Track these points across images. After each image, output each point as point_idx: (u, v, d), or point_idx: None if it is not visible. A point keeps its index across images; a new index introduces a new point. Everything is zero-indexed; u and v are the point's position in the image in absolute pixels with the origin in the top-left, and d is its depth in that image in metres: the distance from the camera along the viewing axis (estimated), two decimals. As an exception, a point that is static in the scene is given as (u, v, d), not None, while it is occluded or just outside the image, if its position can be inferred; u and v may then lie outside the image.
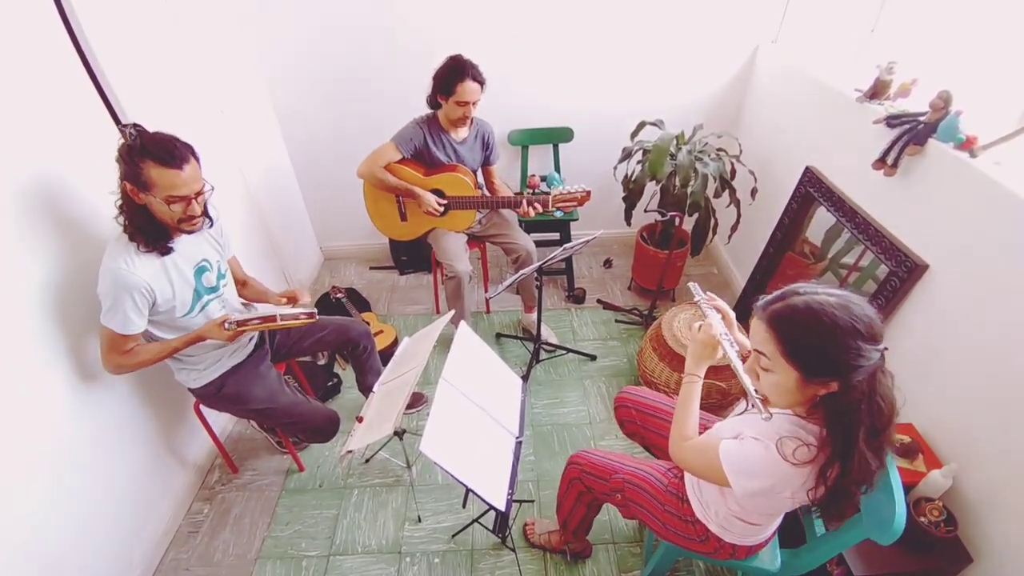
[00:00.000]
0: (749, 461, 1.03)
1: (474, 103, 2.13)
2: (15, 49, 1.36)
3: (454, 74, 2.06)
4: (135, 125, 1.34)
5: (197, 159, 1.39)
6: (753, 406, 1.00)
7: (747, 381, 1.02)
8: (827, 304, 0.90)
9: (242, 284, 1.84)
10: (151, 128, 1.37)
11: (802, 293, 0.94)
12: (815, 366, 0.92)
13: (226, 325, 1.51)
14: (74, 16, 1.51)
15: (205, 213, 1.51)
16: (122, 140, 1.33)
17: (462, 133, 2.29)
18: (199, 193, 1.41)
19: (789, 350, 0.93)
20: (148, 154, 1.30)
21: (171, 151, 1.32)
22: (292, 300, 1.78)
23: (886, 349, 0.92)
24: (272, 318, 1.54)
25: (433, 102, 2.20)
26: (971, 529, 1.42)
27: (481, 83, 2.10)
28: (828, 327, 0.89)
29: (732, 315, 1.26)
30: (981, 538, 1.40)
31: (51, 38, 1.48)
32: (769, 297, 0.98)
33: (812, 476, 0.97)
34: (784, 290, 0.98)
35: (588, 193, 2.17)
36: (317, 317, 1.61)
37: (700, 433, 1.22)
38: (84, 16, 1.53)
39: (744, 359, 1.09)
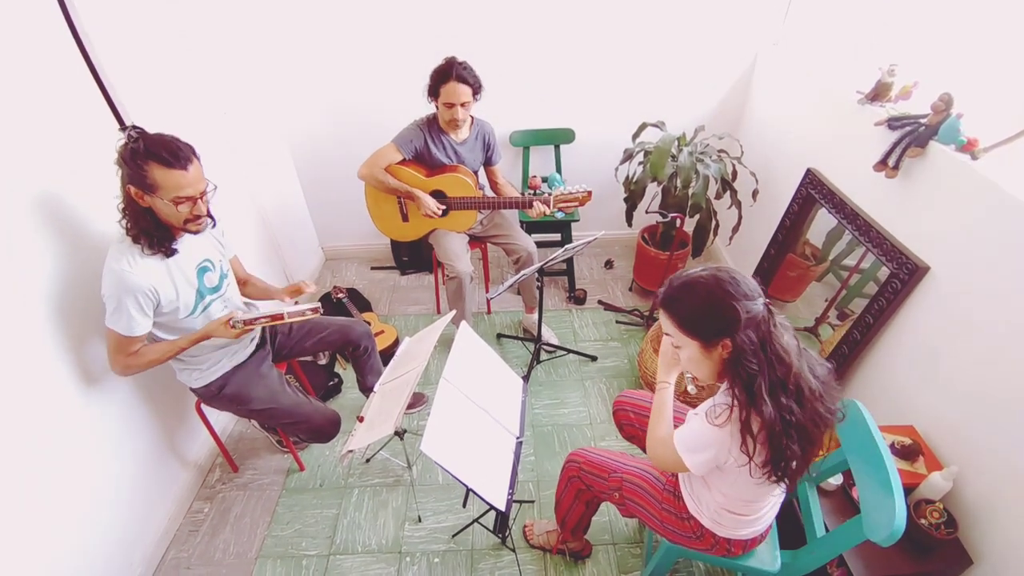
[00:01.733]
0: (692, 436, 1.15)
1: (462, 104, 2.11)
2: (19, 53, 1.36)
3: (441, 75, 2.07)
4: (135, 127, 1.34)
5: (198, 158, 1.39)
6: (691, 390, 1.17)
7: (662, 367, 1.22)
8: (698, 276, 1.07)
9: (243, 283, 1.85)
10: (154, 130, 1.37)
11: (682, 275, 1.10)
12: (705, 330, 1.06)
13: (232, 323, 1.51)
14: (79, 20, 1.51)
15: (208, 213, 1.52)
16: (122, 143, 1.33)
17: (462, 134, 2.30)
18: (203, 193, 1.42)
19: (683, 323, 1.08)
20: (152, 156, 1.30)
21: (174, 152, 1.32)
22: (296, 293, 1.78)
23: (768, 302, 1.04)
24: (279, 316, 1.54)
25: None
26: (971, 531, 1.42)
27: (470, 84, 2.08)
28: (702, 294, 1.04)
29: None
30: (981, 540, 1.40)
31: (56, 43, 1.48)
32: (661, 289, 1.14)
33: (738, 433, 1.05)
34: (671, 277, 1.13)
35: (589, 193, 2.18)
36: (321, 310, 1.62)
37: (676, 427, 1.28)
38: (88, 20, 1.54)
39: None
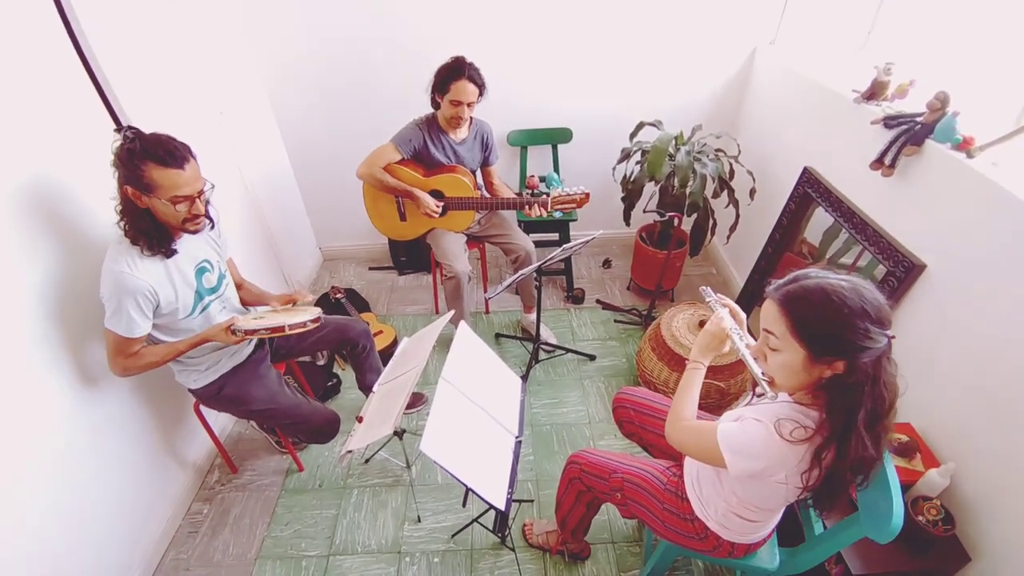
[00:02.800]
0: (746, 439, 1.04)
1: (469, 104, 2.12)
2: (15, 52, 1.36)
3: (451, 72, 2.06)
4: (131, 127, 1.33)
5: (195, 157, 1.39)
6: (759, 391, 1.04)
7: (754, 365, 1.06)
8: (839, 286, 0.93)
9: (238, 287, 1.84)
10: (150, 130, 1.36)
11: (814, 276, 0.98)
12: (823, 345, 0.94)
13: (233, 330, 1.50)
14: (75, 19, 1.51)
15: (207, 214, 1.52)
16: (118, 143, 1.32)
17: (461, 133, 2.30)
18: (201, 192, 1.41)
19: (799, 329, 0.96)
20: (148, 156, 1.29)
21: (171, 151, 1.32)
22: (291, 302, 1.78)
23: (894, 337, 0.94)
24: (280, 328, 1.54)
25: (433, 101, 2.21)
26: (969, 528, 1.43)
27: (479, 85, 2.09)
28: (838, 306, 0.92)
29: (743, 315, 1.28)
30: (979, 537, 1.40)
31: (52, 42, 1.48)
32: (781, 280, 1.02)
33: (807, 457, 0.98)
34: (796, 273, 1.01)
35: (587, 195, 2.18)
36: (323, 320, 1.62)
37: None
38: (85, 19, 1.53)
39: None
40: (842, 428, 0.95)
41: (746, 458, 1.04)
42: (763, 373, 1.04)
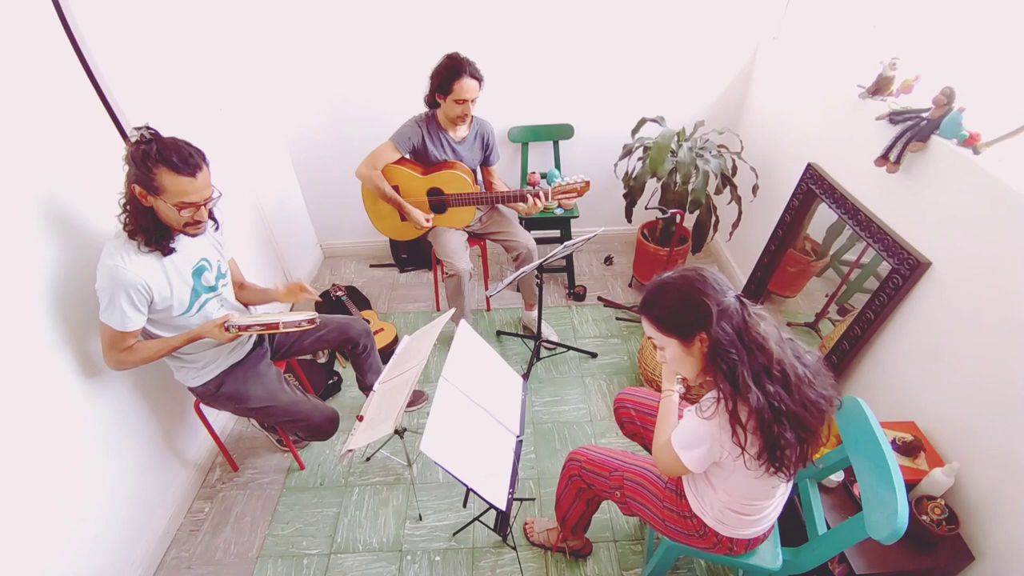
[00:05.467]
0: (686, 433, 1.18)
1: (472, 100, 2.11)
2: (14, 50, 1.35)
3: (452, 72, 2.05)
4: (148, 128, 1.34)
5: (208, 165, 1.39)
6: (680, 391, 1.29)
7: (669, 376, 1.27)
8: (668, 278, 1.13)
9: (239, 287, 1.84)
10: (150, 126, 1.35)
11: (653, 280, 1.16)
12: (681, 327, 1.10)
13: (227, 326, 1.50)
14: (72, 16, 1.50)
15: (211, 216, 1.51)
16: (135, 141, 1.32)
17: (461, 132, 2.28)
18: (208, 199, 1.41)
19: (660, 323, 1.13)
20: (163, 161, 1.30)
21: (185, 159, 1.32)
22: (293, 292, 1.77)
23: (739, 295, 1.08)
24: (275, 325, 1.54)
25: (431, 101, 2.19)
26: (973, 528, 1.42)
27: (479, 80, 2.08)
28: (673, 292, 1.10)
29: None
30: (983, 537, 1.39)
31: (49, 38, 1.47)
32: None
33: (727, 424, 1.06)
34: (646, 285, 1.18)
35: (587, 183, 2.16)
36: (318, 322, 1.61)
37: None
38: (82, 16, 1.52)
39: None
40: (734, 388, 1.04)
41: (691, 448, 1.16)
42: (676, 375, 1.22)
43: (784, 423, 1.03)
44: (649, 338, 1.19)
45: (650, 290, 1.15)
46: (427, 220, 2.29)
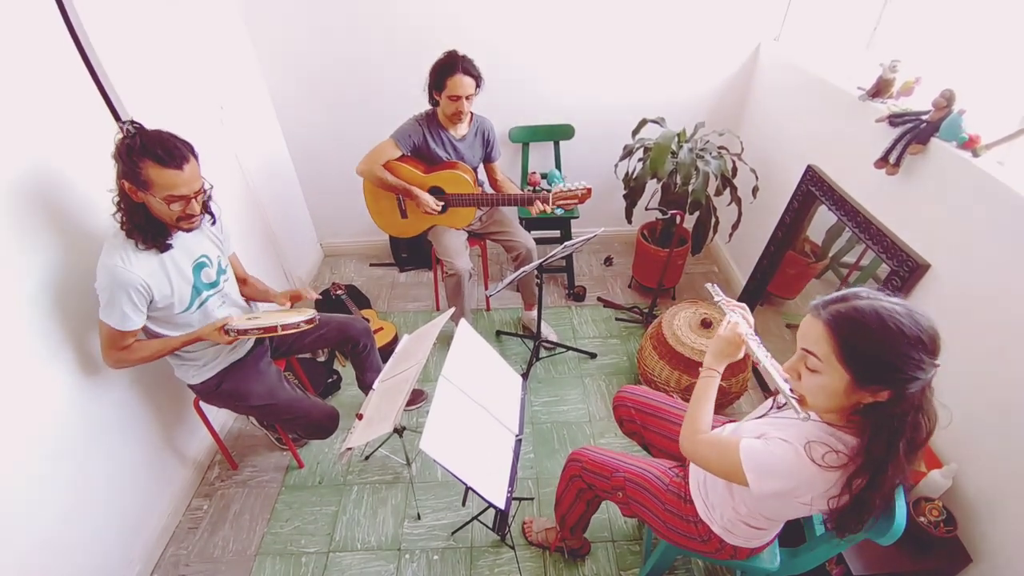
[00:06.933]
0: (773, 461, 0.99)
1: (467, 97, 2.10)
2: (14, 45, 1.35)
3: (445, 68, 2.05)
4: (133, 122, 1.33)
5: (196, 157, 1.38)
6: (783, 406, 0.99)
7: (780, 381, 1.01)
8: (894, 311, 0.87)
9: (242, 282, 1.83)
10: (150, 124, 1.36)
11: (865, 297, 0.91)
12: (871, 373, 0.89)
13: (226, 330, 1.50)
14: (74, 12, 1.50)
15: (207, 210, 1.51)
16: (120, 137, 1.32)
17: (461, 130, 2.28)
18: (198, 192, 1.40)
19: (846, 353, 0.90)
20: (147, 153, 1.29)
21: (170, 151, 1.31)
22: (295, 299, 1.77)
23: (939, 366, 0.90)
24: (273, 328, 1.53)
25: (431, 98, 2.20)
26: (970, 529, 1.42)
27: (474, 77, 2.07)
28: (895, 335, 0.86)
29: (751, 318, 1.23)
30: (980, 538, 1.40)
31: (51, 34, 1.47)
32: (828, 297, 0.95)
33: (838, 483, 0.94)
34: (846, 292, 0.94)
35: (589, 190, 2.17)
36: (317, 321, 1.61)
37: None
38: (84, 12, 1.52)
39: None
40: (881, 457, 0.91)
41: (771, 478, 0.99)
42: (791, 390, 0.98)
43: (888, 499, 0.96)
44: (805, 350, 0.95)
45: (862, 310, 0.89)
46: (437, 204, 2.26)
